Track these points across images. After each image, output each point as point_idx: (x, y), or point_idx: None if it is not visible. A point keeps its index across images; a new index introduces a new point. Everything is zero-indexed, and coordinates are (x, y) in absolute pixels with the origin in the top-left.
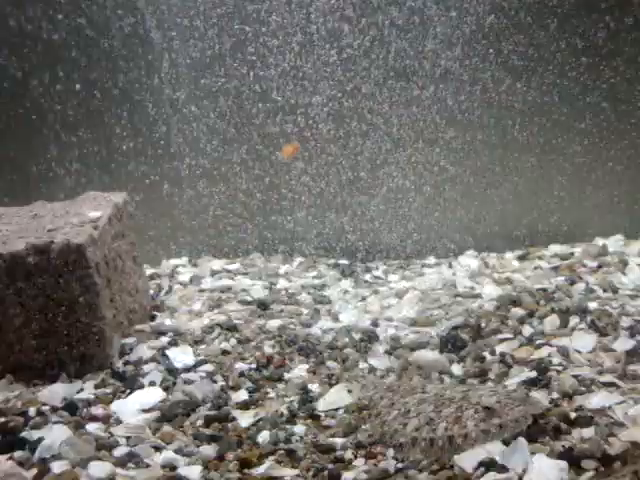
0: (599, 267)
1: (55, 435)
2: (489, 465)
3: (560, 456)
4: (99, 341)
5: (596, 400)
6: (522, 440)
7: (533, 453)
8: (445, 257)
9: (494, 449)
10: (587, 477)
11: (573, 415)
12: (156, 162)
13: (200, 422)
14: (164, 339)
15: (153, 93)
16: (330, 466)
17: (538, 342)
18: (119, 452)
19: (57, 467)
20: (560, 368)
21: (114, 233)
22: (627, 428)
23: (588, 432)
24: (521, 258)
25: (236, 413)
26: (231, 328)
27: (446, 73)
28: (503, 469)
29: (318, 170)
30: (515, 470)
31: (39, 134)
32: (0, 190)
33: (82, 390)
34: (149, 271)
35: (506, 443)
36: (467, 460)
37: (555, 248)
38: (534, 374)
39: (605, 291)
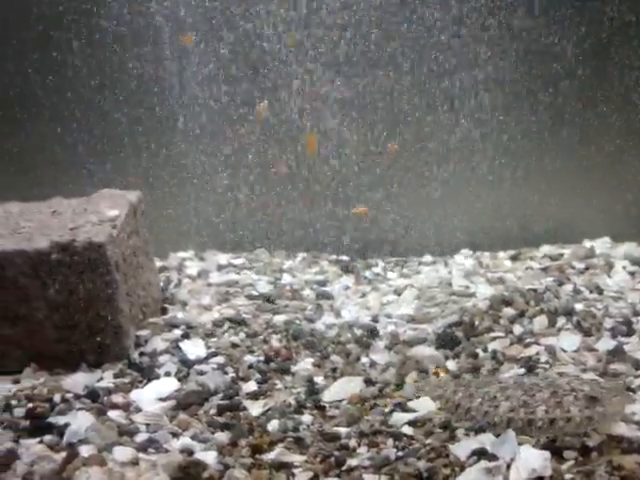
0: (586, 269)
1: (80, 421)
2: (481, 454)
3: (544, 447)
4: (117, 333)
5: None
6: (511, 432)
7: (520, 444)
8: (441, 255)
9: (486, 440)
10: (568, 466)
11: None
12: (164, 158)
13: (213, 411)
14: (177, 332)
15: (160, 88)
16: (336, 453)
17: (527, 341)
18: (140, 438)
19: (85, 451)
20: (547, 366)
21: (130, 231)
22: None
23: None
24: (513, 258)
25: (247, 403)
26: (240, 322)
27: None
28: (493, 457)
29: (322, 167)
30: (504, 459)
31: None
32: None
33: (102, 379)
34: (158, 264)
35: (496, 435)
36: (461, 449)
37: (546, 249)
38: (523, 371)
39: (591, 292)
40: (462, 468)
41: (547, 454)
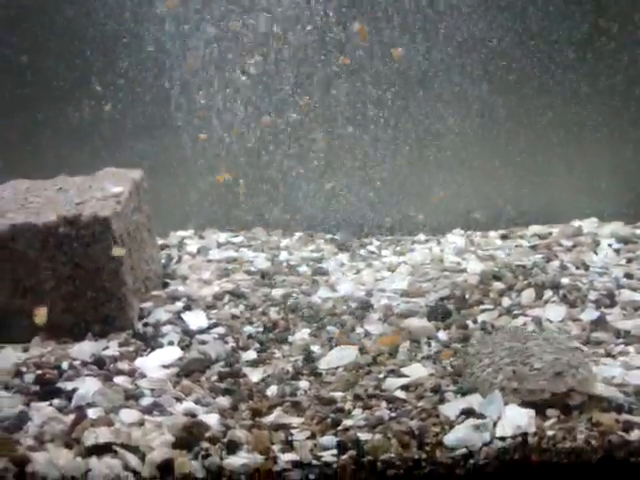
0: (574, 246)
1: (88, 386)
2: (469, 413)
3: (528, 405)
4: (121, 304)
5: None
6: (497, 393)
7: (507, 403)
8: (434, 235)
9: (474, 401)
10: (550, 423)
11: None
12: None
13: (215, 377)
14: (179, 304)
15: (164, 71)
16: (332, 415)
17: (515, 312)
18: (145, 402)
19: (92, 413)
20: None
21: (133, 207)
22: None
23: None
24: (504, 237)
25: (247, 370)
26: (239, 295)
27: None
28: (481, 416)
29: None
30: (491, 417)
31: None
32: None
33: (107, 348)
34: (159, 242)
35: (484, 396)
36: (450, 409)
37: (535, 228)
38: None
39: (577, 268)
40: (451, 426)
41: (532, 412)
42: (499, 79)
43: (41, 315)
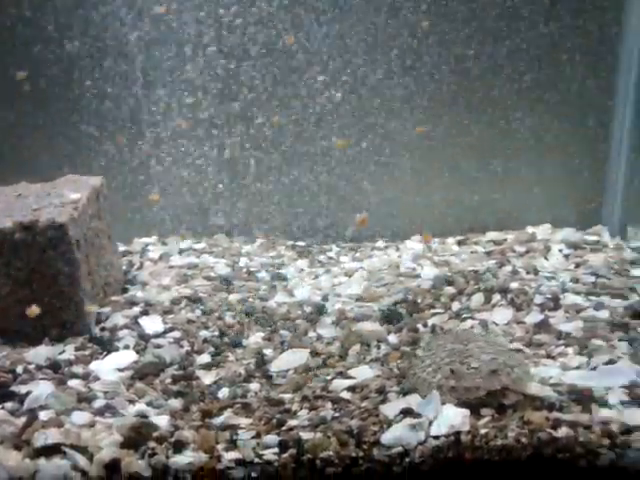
0: (526, 252)
1: (41, 389)
2: (407, 412)
3: (465, 405)
4: (78, 310)
5: None
6: (435, 393)
7: (444, 403)
8: (393, 241)
9: (413, 401)
10: (484, 422)
11: None
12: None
13: (168, 380)
14: (136, 309)
15: (127, 76)
16: (278, 416)
17: (464, 316)
18: (98, 404)
19: (44, 415)
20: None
21: (92, 213)
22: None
23: None
24: (460, 243)
25: (200, 373)
26: (196, 300)
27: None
28: (418, 416)
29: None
30: (428, 417)
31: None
32: None
33: (64, 352)
34: (121, 248)
35: (423, 395)
36: (390, 409)
37: (491, 235)
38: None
39: (528, 273)
40: (389, 425)
41: (466, 412)
42: (455, 85)
43: None
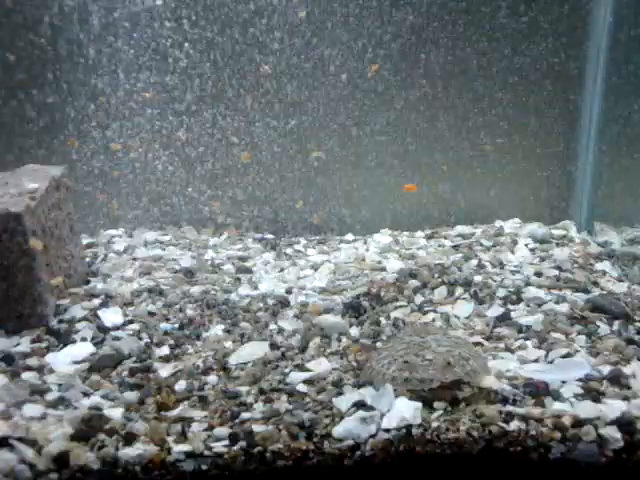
0: (493, 246)
1: None
2: (360, 405)
3: (418, 398)
4: (35, 301)
5: None
6: (389, 386)
7: (398, 396)
8: (362, 235)
9: (367, 394)
10: (436, 415)
11: None
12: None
13: (125, 373)
14: (96, 301)
15: (94, 65)
16: (234, 408)
17: (426, 309)
18: (51, 396)
19: None
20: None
21: (51, 204)
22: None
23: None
24: (429, 237)
25: (158, 365)
26: (158, 292)
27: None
28: (371, 409)
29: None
30: (381, 410)
31: None
32: None
33: (19, 344)
34: (87, 240)
35: (377, 388)
36: (343, 402)
37: (460, 229)
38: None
39: (494, 267)
40: (342, 418)
41: (419, 405)
42: (424, 80)
43: None
